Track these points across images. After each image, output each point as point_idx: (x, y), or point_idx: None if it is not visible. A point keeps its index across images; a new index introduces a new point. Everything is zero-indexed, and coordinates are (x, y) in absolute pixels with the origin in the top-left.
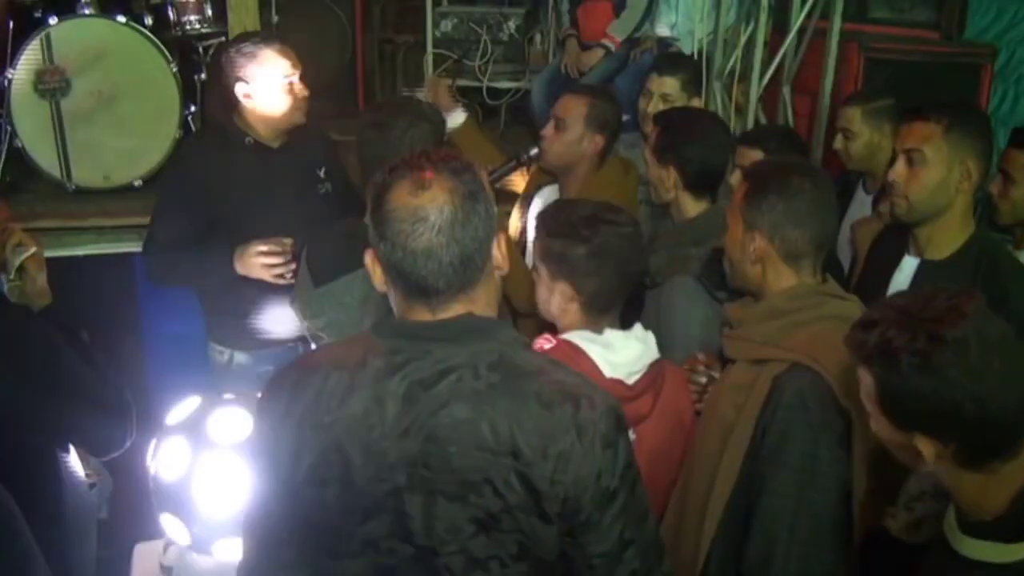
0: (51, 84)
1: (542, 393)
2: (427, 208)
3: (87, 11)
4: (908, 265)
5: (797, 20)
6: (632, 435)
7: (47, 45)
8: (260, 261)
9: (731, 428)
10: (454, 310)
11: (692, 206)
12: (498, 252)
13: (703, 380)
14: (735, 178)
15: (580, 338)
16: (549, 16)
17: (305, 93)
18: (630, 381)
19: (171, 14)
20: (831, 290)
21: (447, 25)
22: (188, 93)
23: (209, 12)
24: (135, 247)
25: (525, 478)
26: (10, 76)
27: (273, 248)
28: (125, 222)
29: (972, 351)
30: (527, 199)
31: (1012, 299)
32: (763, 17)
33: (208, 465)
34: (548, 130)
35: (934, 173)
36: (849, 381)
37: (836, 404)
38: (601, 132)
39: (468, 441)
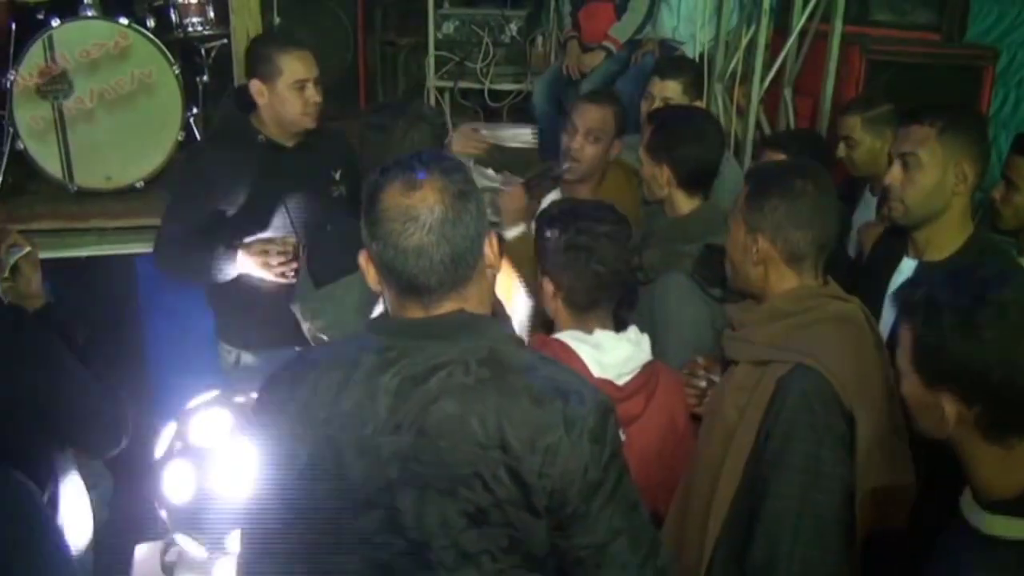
0: (53, 86)
1: (532, 388)
2: (418, 208)
3: (89, 13)
4: (907, 267)
5: (798, 22)
6: (623, 436)
7: (49, 47)
8: (260, 259)
9: (734, 430)
10: (446, 307)
11: (685, 203)
12: (490, 251)
13: (703, 384)
14: None
15: (570, 338)
16: (551, 18)
17: (317, 99)
18: (620, 382)
19: (173, 16)
20: (833, 292)
21: (449, 27)
22: (190, 95)
23: (211, 14)
24: (137, 248)
25: (514, 472)
26: (12, 77)
27: (274, 247)
28: (127, 223)
29: (1012, 317)
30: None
31: None
32: (764, 19)
33: (221, 483)
34: (578, 141)
35: (929, 176)
36: (852, 382)
37: (839, 405)
38: (620, 137)
39: (458, 436)
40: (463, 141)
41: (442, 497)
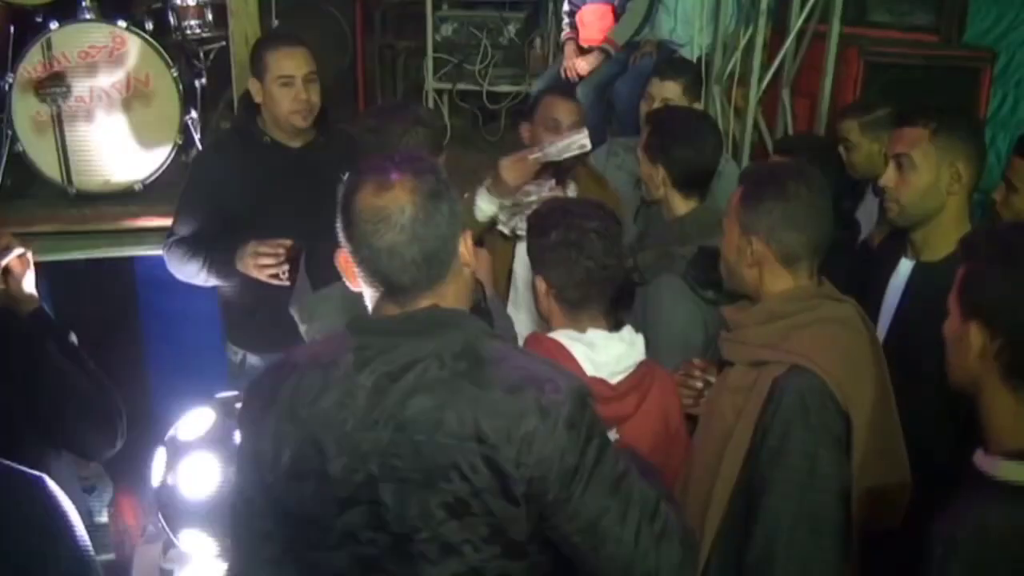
0: (51, 88)
1: (506, 379)
2: (389, 208)
3: (88, 16)
4: (904, 267)
5: (796, 24)
6: (615, 435)
7: (48, 49)
8: (252, 260)
9: (730, 430)
10: (421, 306)
11: (681, 204)
12: (464, 249)
13: (699, 385)
14: None
15: (564, 336)
16: (549, 20)
17: (305, 96)
18: (613, 381)
19: (171, 19)
20: (827, 293)
21: (447, 29)
22: (188, 98)
23: (210, 17)
24: (136, 251)
25: (491, 461)
26: (11, 80)
27: (268, 248)
28: (126, 226)
29: None
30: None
31: None
32: (762, 21)
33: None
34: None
35: (923, 177)
36: (847, 383)
37: (836, 405)
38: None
39: (434, 429)
40: (514, 174)
41: (422, 490)
